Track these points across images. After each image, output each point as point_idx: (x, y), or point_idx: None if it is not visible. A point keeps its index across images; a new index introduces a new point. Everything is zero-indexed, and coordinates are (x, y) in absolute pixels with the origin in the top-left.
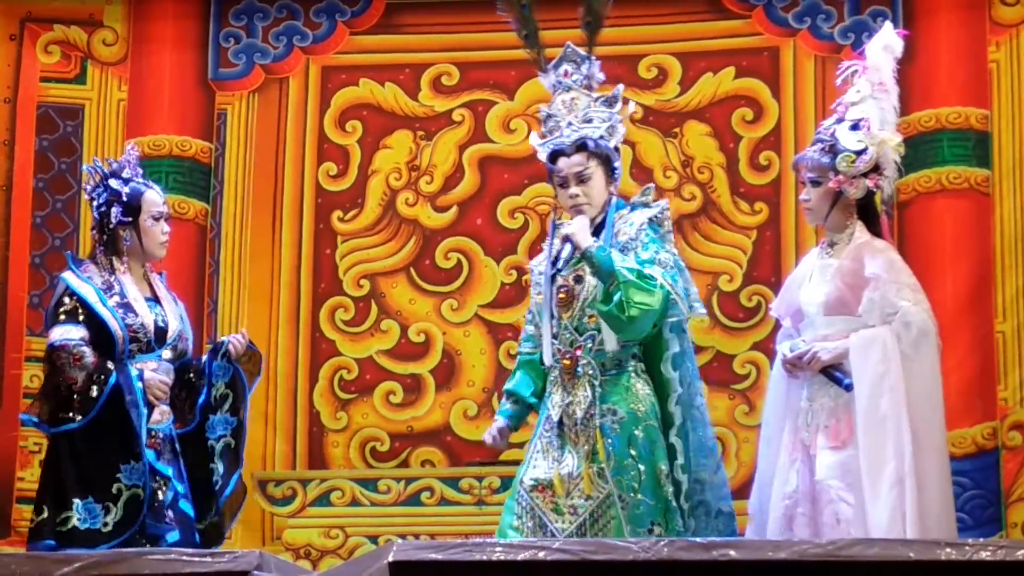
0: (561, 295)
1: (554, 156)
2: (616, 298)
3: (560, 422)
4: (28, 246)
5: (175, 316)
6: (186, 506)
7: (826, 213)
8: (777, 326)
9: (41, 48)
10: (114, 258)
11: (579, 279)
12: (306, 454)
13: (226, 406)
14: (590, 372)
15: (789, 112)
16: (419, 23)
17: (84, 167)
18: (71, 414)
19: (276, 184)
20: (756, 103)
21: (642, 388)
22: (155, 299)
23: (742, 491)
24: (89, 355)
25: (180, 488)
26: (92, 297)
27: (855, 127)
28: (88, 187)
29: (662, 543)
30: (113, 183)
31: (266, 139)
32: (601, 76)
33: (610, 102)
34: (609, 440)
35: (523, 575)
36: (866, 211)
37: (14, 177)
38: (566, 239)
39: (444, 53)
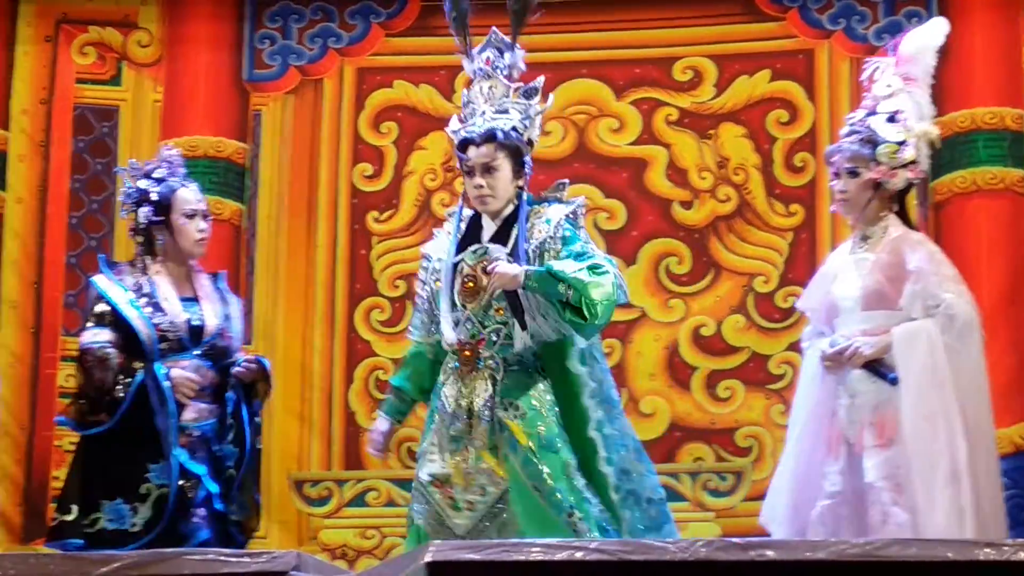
0: (468, 284)
1: (464, 145)
2: (580, 305)
3: (454, 414)
4: (64, 247)
5: (216, 315)
6: (220, 505)
7: (864, 204)
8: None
9: (76, 50)
10: (148, 258)
11: (486, 270)
12: (342, 454)
13: (229, 437)
14: (492, 366)
15: (824, 114)
16: (445, 26)
17: (116, 170)
18: (101, 415)
19: (311, 185)
20: (791, 105)
21: (542, 384)
22: (195, 298)
23: None
24: (115, 356)
25: (213, 487)
26: (120, 299)
27: (892, 119)
28: (122, 190)
29: (699, 543)
30: (142, 184)
31: (301, 140)
32: (523, 66)
33: (529, 94)
34: (509, 435)
35: (560, 575)
36: (900, 205)
37: (50, 178)
38: (493, 283)
39: None
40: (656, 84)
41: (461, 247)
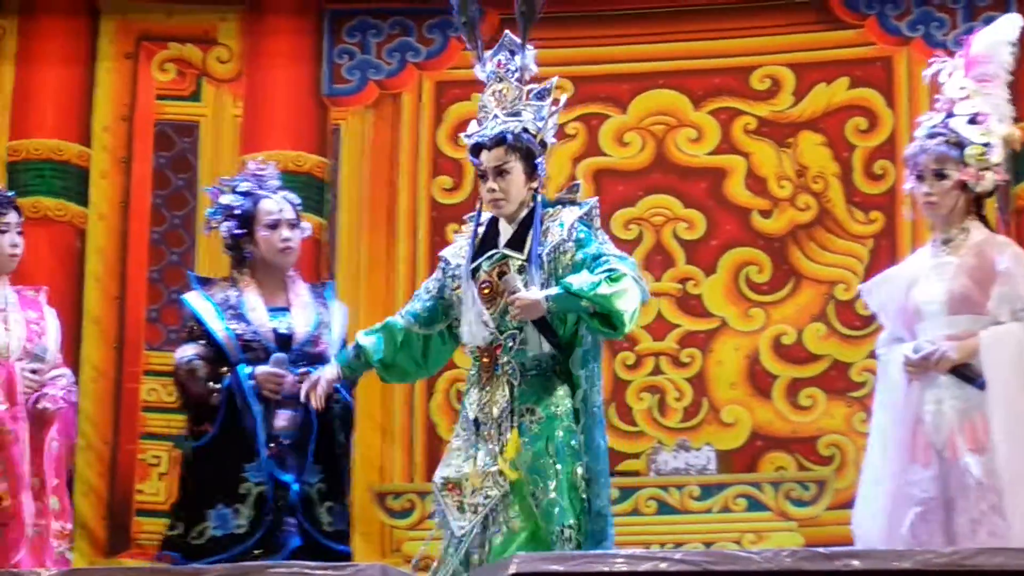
0: (484, 290)
1: (476, 149)
2: (606, 317)
3: (476, 421)
4: (146, 262)
5: (308, 323)
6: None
7: (951, 207)
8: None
9: (157, 66)
10: (237, 272)
11: (503, 275)
12: (424, 466)
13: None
14: (509, 371)
15: (904, 121)
16: (532, 37)
17: (205, 189)
18: (205, 425)
19: (391, 198)
20: (870, 112)
21: (561, 389)
22: (287, 307)
23: None
24: (201, 367)
25: (304, 494)
26: (206, 314)
27: (972, 121)
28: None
29: (784, 553)
30: (225, 199)
31: (380, 154)
32: (534, 68)
33: (542, 95)
34: (527, 439)
35: None
36: (979, 208)
37: (132, 194)
38: (517, 315)
39: (557, 67)
40: (734, 93)
41: (479, 252)
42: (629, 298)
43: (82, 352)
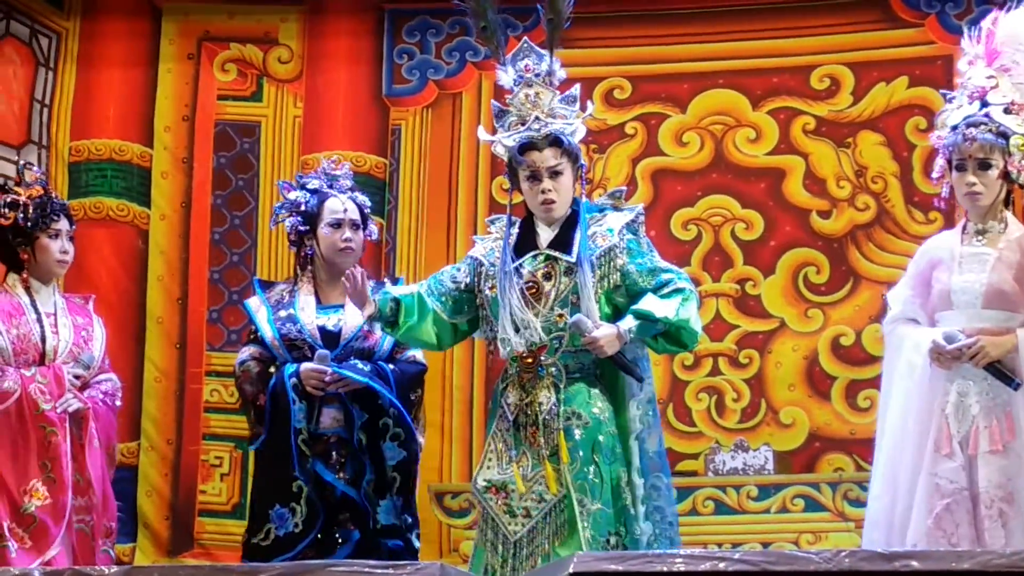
0: (530, 289)
1: (524, 148)
2: (680, 339)
3: (516, 422)
4: (207, 262)
5: (360, 318)
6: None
7: (995, 197)
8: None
9: (218, 66)
10: (300, 268)
11: (548, 276)
12: None
13: (388, 434)
14: (554, 373)
15: None
16: (591, 37)
17: (278, 183)
18: (261, 427)
19: (450, 198)
20: (930, 112)
21: (602, 393)
22: (342, 305)
23: None
24: (254, 367)
25: (352, 492)
26: (259, 315)
27: (1007, 111)
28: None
29: (843, 554)
30: (292, 195)
31: (440, 154)
32: (563, 73)
33: (569, 101)
34: (572, 444)
35: None
36: (1007, 199)
37: (193, 194)
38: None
39: (616, 67)
40: (793, 93)
41: (516, 253)
42: (696, 316)
43: (145, 352)
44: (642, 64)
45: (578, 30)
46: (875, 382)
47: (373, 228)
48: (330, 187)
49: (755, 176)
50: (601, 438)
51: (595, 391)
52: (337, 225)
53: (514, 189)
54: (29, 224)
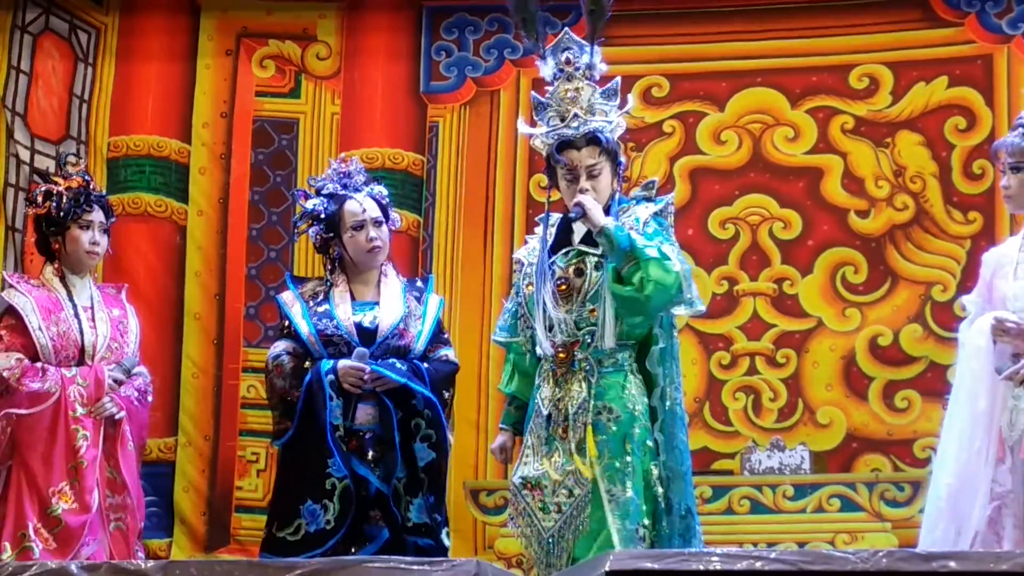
0: (561, 287)
1: (560, 147)
2: (636, 277)
3: (548, 416)
4: (244, 258)
5: (396, 316)
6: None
7: None
8: None
9: (256, 63)
10: (329, 271)
11: (579, 272)
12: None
13: (419, 435)
14: (586, 368)
15: (1003, 120)
16: (629, 35)
17: (293, 191)
18: (287, 422)
19: (487, 196)
20: (969, 111)
21: (636, 387)
22: (377, 302)
23: None
24: (288, 363)
25: (385, 488)
26: (294, 311)
27: None
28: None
29: (880, 554)
30: (310, 204)
31: (477, 151)
32: (604, 67)
33: (609, 95)
34: (603, 438)
35: None
36: None
37: (230, 190)
38: (577, 206)
39: (654, 65)
40: (832, 92)
41: (552, 251)
42: (662, 276)
43: (183, 348)
44: (680, 62)
45: (616, 28)
46: (913, 383)
47: (395, 217)
48: (345, 188)
49: (793, 175)
50: (635, 430)
51: (628, 384)
52: (360, 227)
53: (552, 186)
54: (62, 214)
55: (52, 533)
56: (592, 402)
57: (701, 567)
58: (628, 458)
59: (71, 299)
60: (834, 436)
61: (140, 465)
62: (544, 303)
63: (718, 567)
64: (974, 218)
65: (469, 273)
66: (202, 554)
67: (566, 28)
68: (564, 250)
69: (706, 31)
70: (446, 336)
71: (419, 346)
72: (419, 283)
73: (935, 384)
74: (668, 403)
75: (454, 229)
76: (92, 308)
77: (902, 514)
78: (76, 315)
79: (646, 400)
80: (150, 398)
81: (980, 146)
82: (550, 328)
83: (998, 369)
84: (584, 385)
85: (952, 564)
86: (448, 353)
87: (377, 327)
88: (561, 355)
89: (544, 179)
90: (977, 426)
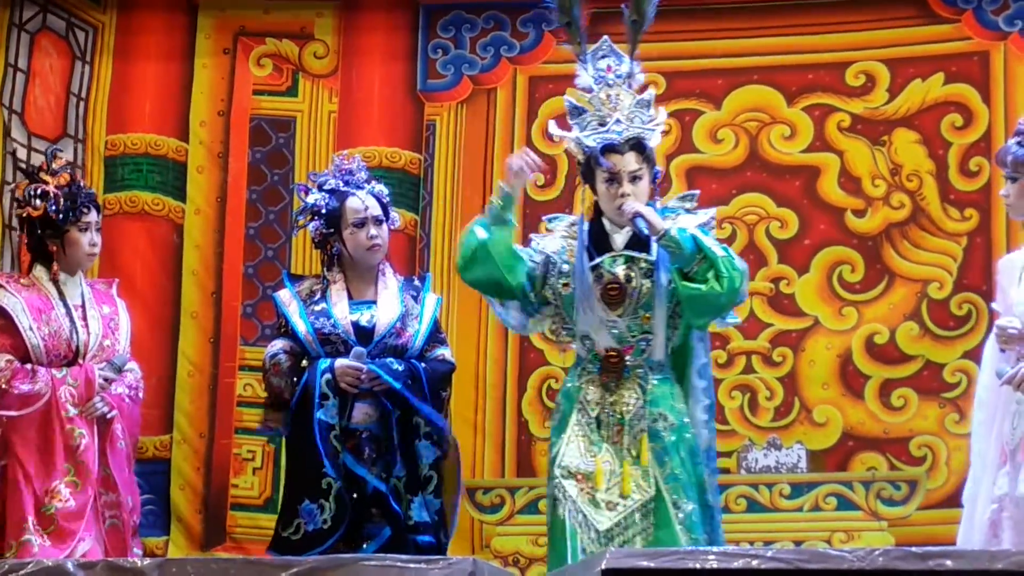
0: (612, 290)
1: (603, 151)
2: (709, 274)
3: (599, 419)
4: (241, 257)
5: (393, 315)
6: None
7: None
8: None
9: (254, 61)
10: (327, 268)
11: (628, 277)
12: (514, 462)
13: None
14: (640, 373)
15: (1000, 117)
16: (624, 32)
17: (294, 186)
18: (285, 420)
19: (485, 194)
20: (966, 109)
21: (680, 397)
22: (374, 301)
23: (953, 499)
24: (285, 361)
25: (383, 487)
26: (291, 309)
27: None
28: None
29: (877, 552)
30: (311, 199)
31: (474, 149)
32: (641, 77)
33: (644, 105)
34: (660, 446)
35: None
36: None
37: (228, 189)
38: (636, 217)
39: (650, 62)
40: (828, 89)
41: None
42: (735, 270)
43: (179, 346)
44: (676, 60)
45: (612, 25)
46: (909, 381)
47: (395, 216)
48: (346, 185)
49: (790, 174)
50: (688, 437)
51: (676, 392)
52: (361, 224)
53: (586, 186)
54: (60, 217)
55: (47, 532)
56: (648, 408)
57: (697, 565)
58: (688, 468)
59: (62, 298)
60: (830, 435)
61: (133, 462)
62: (594, 306)
63: (715, 565)
64: (971, 215)
65: None
66: (198, 552)
67: (606, 36)
68: (610, 254)
69: (701, 28)
70: (443, 335)
71: (416, 345)
72: (416, 282)
73: (931, 382)
74: (709, 413)
75: (452, 228)
76: (83, 306)
77: (898, 513)
78: (68, 314)
79: (687, 407)
80: (141, 394)
81: (977, 143)
82: (601, 330)
83: (998, 373)
84: (639, 391)
85: (948, 563)
86: (445, 353)
87: (374, 326)
88: (612, 360)
89: (541, 177)
90: (982, 431)
